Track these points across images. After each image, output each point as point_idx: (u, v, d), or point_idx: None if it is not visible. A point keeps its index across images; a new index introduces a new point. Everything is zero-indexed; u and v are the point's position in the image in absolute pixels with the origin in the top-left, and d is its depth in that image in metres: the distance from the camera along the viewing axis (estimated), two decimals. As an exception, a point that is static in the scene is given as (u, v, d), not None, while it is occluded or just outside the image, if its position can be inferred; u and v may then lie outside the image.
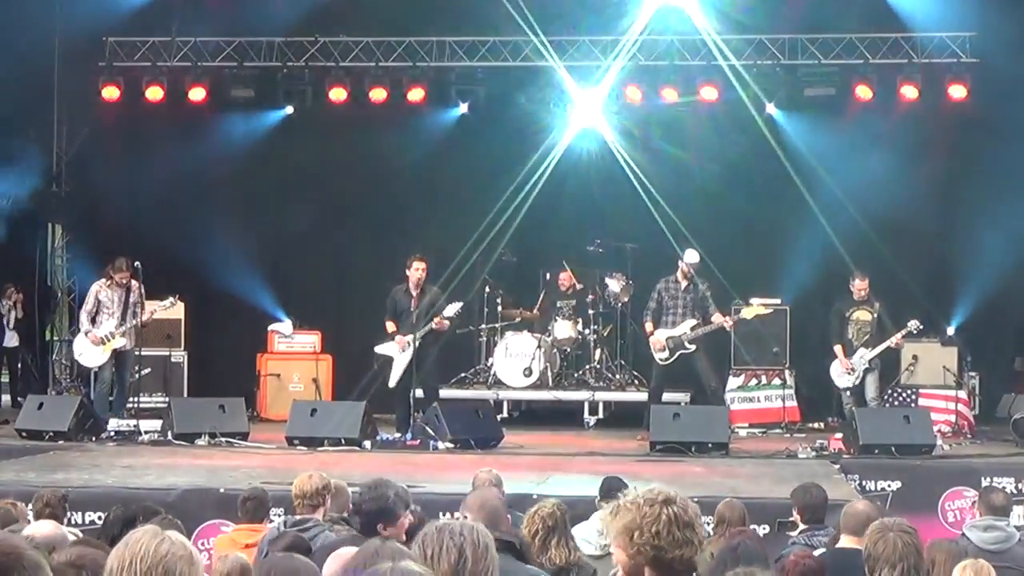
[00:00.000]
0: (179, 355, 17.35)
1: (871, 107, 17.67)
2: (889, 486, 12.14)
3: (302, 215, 18.58)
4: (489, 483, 8.38)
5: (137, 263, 14.98)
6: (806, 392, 16.96)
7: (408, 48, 18.12)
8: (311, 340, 17.81)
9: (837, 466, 12.43)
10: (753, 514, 8.93)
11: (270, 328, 17.91)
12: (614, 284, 16.97)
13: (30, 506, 8.33)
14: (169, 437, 13.98)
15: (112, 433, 14.32)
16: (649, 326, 15.33)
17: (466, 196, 18.20)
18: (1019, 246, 16.68)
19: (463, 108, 18.37)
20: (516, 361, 16.78)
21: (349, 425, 13.78)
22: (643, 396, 15.97)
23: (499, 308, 17.48)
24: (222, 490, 10.49)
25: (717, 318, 15.12)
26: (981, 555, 6.56)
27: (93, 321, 15.07)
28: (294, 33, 18.03)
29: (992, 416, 16.69)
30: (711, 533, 8.43)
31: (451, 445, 13.55)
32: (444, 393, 15.59)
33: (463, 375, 17.23)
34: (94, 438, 14.06)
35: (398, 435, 14.23)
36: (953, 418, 15.39)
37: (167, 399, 15.86)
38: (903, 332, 15.27)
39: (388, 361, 14.87)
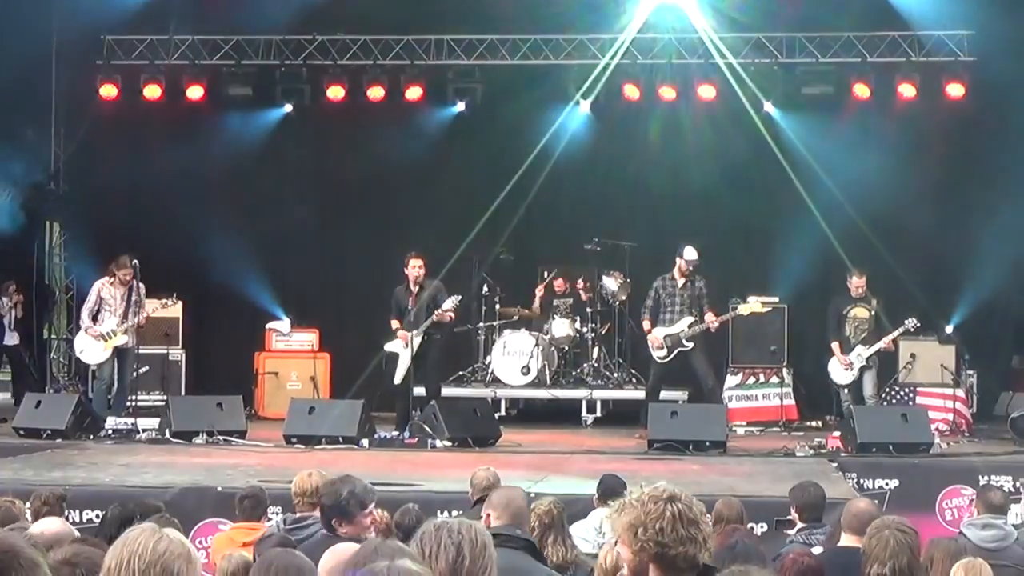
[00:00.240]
0: (177, 353, 17.34)
1: (869, 106, 17.68)
2: (887, 484, 12.13)
3: (300, 213, 18.58)
4: (487, 481, 8.38)
5: (135, 261, 14.98)
6: (804, 390, 16.98)
7: (406, 46, 18.11)
8: (309, 338, 17.81)
9: (835, 464, 12.43)
10: (751, 512, 8.93)
11: (268, 326, 17.91)
12: (611, 282, 16.97)
13: (28, 504, 8.33)
14: (167, 435, 13.98)
15: (110, 431, 14.32)
16: (647, 324, 15.32)
17: (464, 194, 18.19)
18: (1017, 244, 16.67)
19: (461, 106, 18.36)
20: (514, 359, 16.79)
21: (347, 423, 13.77)
22: (641, 394, 15.97)
23: (497, 306, 17.47)
24: (220, 488, 10.49)
25: (708, 317, 15.10)
26: (979, 553, 6.56)
27: (95, 319, 15.05)
28: (292, 31, 18.01)
29: (990, 414, 16.70)
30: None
31: (449, 443, 13.54)
32: (443, 391, 15.56)
33: (461, 373, 17.22)
34: (92, 436, 14.05)
35: (396, 433, 14.22)
36: (951, 416, 15.39)
37: (165, 397, 15.87)
38: (898, 331, 15.28)
39: (393, 359, 14.86)
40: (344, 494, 6.46)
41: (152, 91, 18.05)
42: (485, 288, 17.41)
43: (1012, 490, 11.49)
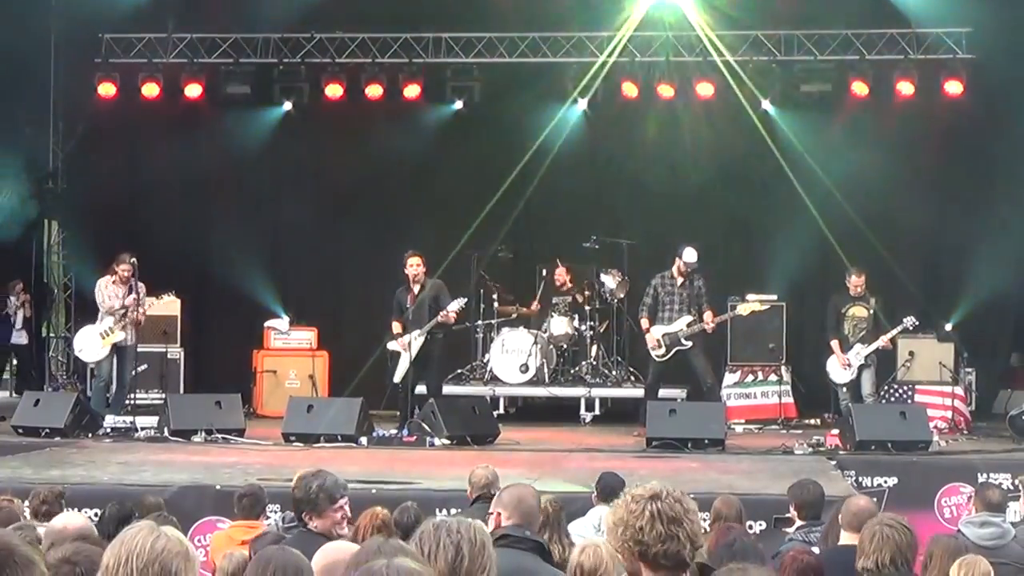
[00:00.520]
0: (175, 351, 17.33)
1: (867, 103, 17.67)
2: (885, 482, 12.13)
3: (298, 211, 18.58)
4: (486, 479, 8.38)
5: (133, 259, 14.97)
6: (803, 388, 16.99)
7: (404, 44, 18.11)
8: (307, 336, 17.80)
9: (833, 462, 12.43)
10: (749, 510, 8.94)
11: (266, 324, 17.91)
12: (610, 280, 16.97)
13: (27, 503, 8.33)
14: (165, 433, 13.98)
15: (108, 430, 14.31)
16: (645, 322, 15.31)
17: (462, 192, 18.18)
18: (1016, 242, 16.68)
19: (459, 104, 18.35)
20: (512, 357, 16.78)
21: (345, 421, 13.77)
22: (639, 392, 15.97)
23: (495, 304, 17.47)
24: (218, 487, 10.49)
25: (707, 316, 15.08)
26: (977, 551, 6.56)
27: (95, 318, 15.04)
28: (290, 29, 18.00)
29: (988, 412, 16.70)
30: (708, 529, 8.43)
31: (447, 441, 13.54)
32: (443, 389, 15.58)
33: (459, 371, 17.21)
34: (90, 435, 14.04)
35: (394, 431, 14.22)
36: (949, 414, 15.39)
37: (163, 395, 15.85)
38: (897, 330, 15.29)
39: (396, 357, 14.85)
40: (313, 487, 6.47)
41: (150, 89, 18.04)
42: (483, 286, 17.39)
43: (1010, 488, 11.45)
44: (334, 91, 18.09)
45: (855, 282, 15.47)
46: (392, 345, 14.89)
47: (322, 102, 18.25)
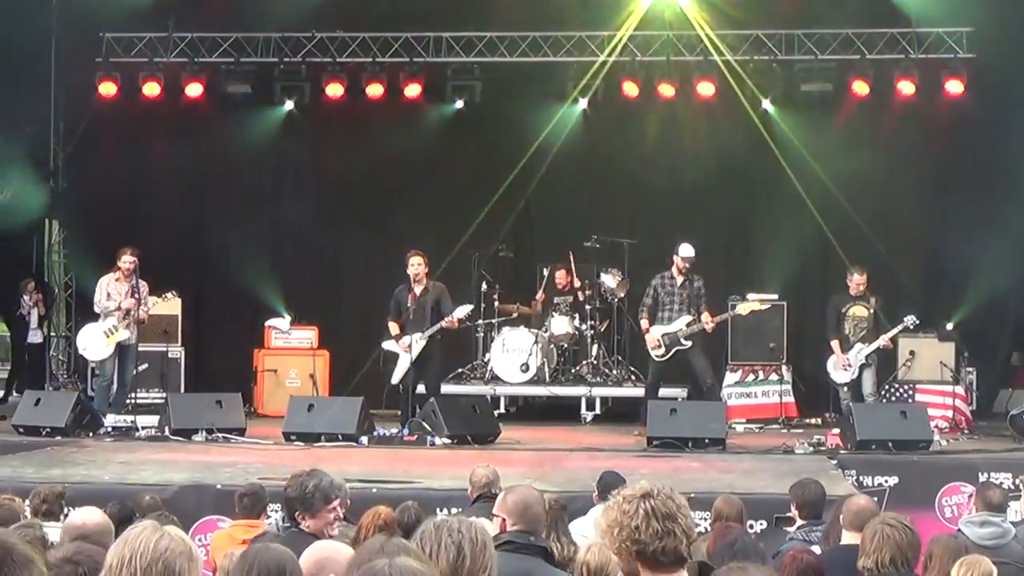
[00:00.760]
0: (176, 351, 17.33)
1: (868, 103, 17.67)
2: (886, 482, 12.12)
3: (299, 211, 18.59)
4: (486, 479, 8.38)
5: (136, 253, 14.97)
6: (803, 388, 16.98)
7: (405, 44, 18.11)
8: (308, 336, 17.80)
9: (834, 462, 12.42)
10: (750, 510, 8.94)
11: (267, 324, 17.90)
12: (610, 280, 16.97)
13: (27, 502, 8.33)
14: (166, 433, 13.97)
15: (109, 429, 14.30)
16: (645, 323, 15.29)
17: (463, 191, 18.21)
18: (1017, 242, 16.68)
19: (459, 104, 18.35)
20: (513, 357, 16.78)
21: (346, 421, 13.76)
22: (640, 391, 15.96)
23: (496, 304, 17.47)
24: (219, 486, 10.48)
25: (705, 317, 15.07)
26: (977, 551, 6.56)
27: (97, 316, 15.03)
28: (291, 29, 18.00)
29: (989, 412, 16.71)
30: (708, 528, 8.43)
31: (448, 441, 13.53)
32: (442, 388, 15.54)
33: (460, 371, 17.21)
34: (91, 434, 14.03)
35: (395, 431, 14.22)
36: (950, 414, 15.38)
37: (164, 395, 15.84)
38: (897, 329, 15.28)
39: (392, 358, 14.85)
40: (310, 487, 6.45)
41: (151, 89, 18.04)
42: (484, 285, 17.39)
43: (1011, 487, 11.47)
44: (335, 90, 18.09)
45: (856, 281, 15.46)
46: (388, 345, 14.88)
47: (323, 101, 18.26)
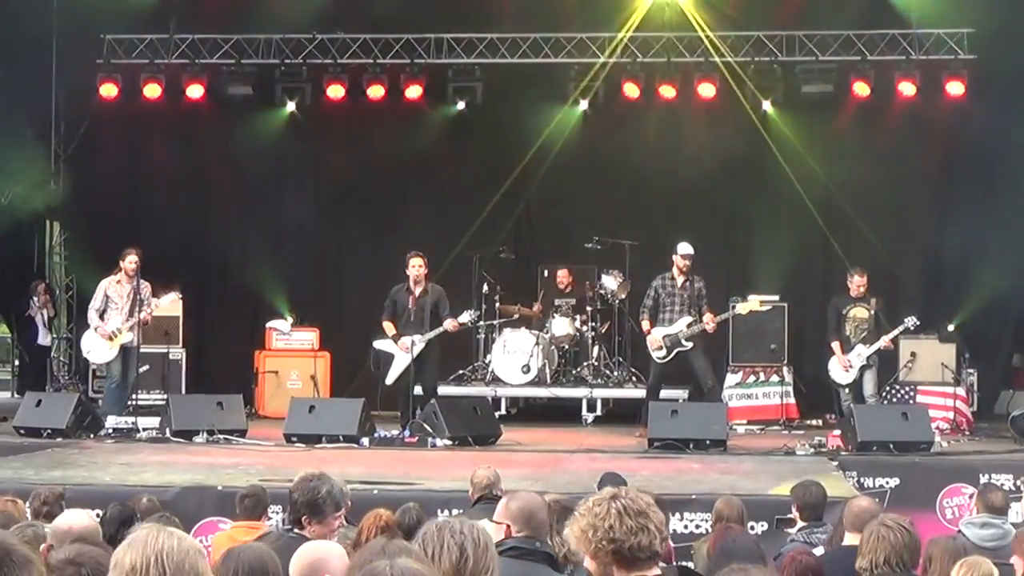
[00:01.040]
0: (177, 352, 17.32)
1: (869, 104, 17.67)
2: (887, 483, 12.12)
3: (300, 212, 18.59)
4: (488, 480, 8.38)
5: (138, 253, 14.98)
6: (804, 389, 16.98)
7: (406, 45, 18.11)
8: (309, 337, 17.80)
9: (835, 463, 12.41)
10: (751, 511, 8.94)
11: (268, 325, 17.91)
12: (610, 281, 16.96)
13: (27, 504, 8.32)
14: (167, 434, 13.97)
15: (110, 430, 14.30)
16: (646, 324, 15.27)
17: (464, 192, 18.22)
18: (1018, 243, 16.68)
19: (460, 105, 18.35)
20: (514, 358, 16.78)
21: (347, 422, 13.76)
22: (641, 393, 15.96)
23: (497, 305, 17.48)
24: (220, 487, 10.48)
25: (706, 318, 15.07)
26: (977, 552, 6.56)
27: (101, 317, 15.04)
28: (292, 30, 18.01)
29: (990, 413, 16.70)
30: (709, 530, 8.44)
31: (449, 442, 13.53)
32: (443, 390, 15.57)
33: (461, 372, 17.21)
34: (92, 435, 14.03)
35: (396, 432, 14.22)
36: (951, 415, 15.37)
37: (165, 396, 15.84)
38: (898, 330, 15.28)
39: (386, 358, 14.85)
40: (322, 493, 6.39)
41: (152, 90, 18.05)
42: (485, 287, 17.40)
43: (1012, 489, 11.48)
44: (336, 92, 18.09)
45: (857, 283, 15.47)
46: (382, 345, 14.88)
47: (324, 103, 18.26)
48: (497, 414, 15.52)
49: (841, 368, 15.36)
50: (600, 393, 16.84)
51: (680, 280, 15.21)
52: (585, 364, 17.24)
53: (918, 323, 15.38)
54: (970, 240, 16.97)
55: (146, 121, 18.54)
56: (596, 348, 17.28)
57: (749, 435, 15.38)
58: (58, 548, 4.23)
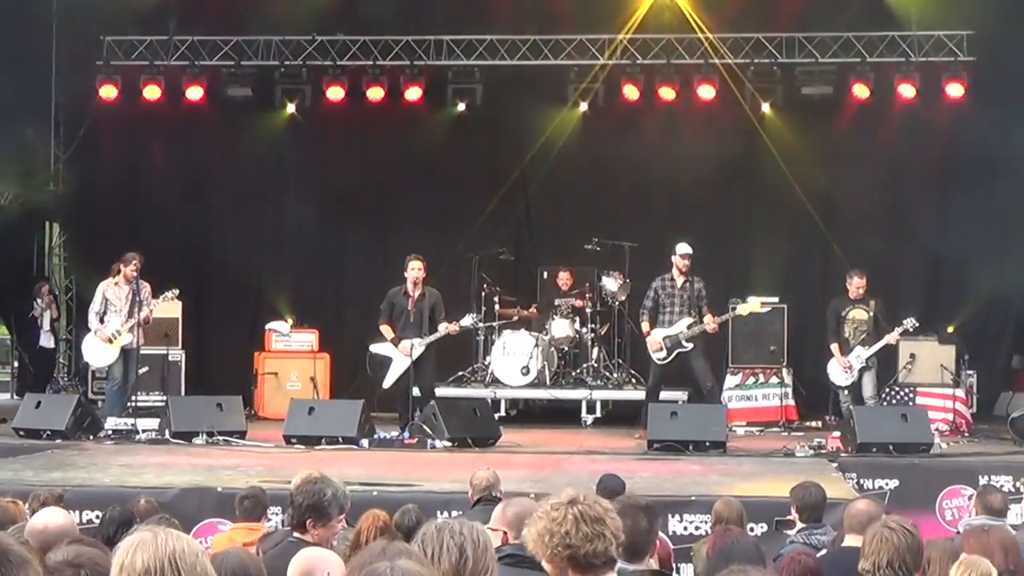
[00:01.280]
0: (176, 354, 17.32)
1: (868, 106, 17.66)
2: (887, 484, 12.12)
3: (300, 214, 18.58)
4: (487, 482, 8.38)
5: (139, 258, 14.98)
6: (804, 391, 16.98)
7: (405, 47, 18.12)
8: (308, 338, 17.80)
9: (835, 465, 12.42)
10: (751, 513, 8.93)
11: (267, 326, 17.90)
12: (611, 283, 16.96)
13: (27, 505, 8.32)
14: (167, 436, 13.96)
15: (110, 432, 14.30)
16: (646, 325, 15.27)
17: (463, 194, 18.22)
18: (1017, 244, 16.69)
19: (460, 107, 18.35)
20: (514, 360, 16.77)
21: (347, 424, 13.76)
22: (641, 394, 15.96)
23: (496, 307, 17.47)
24: (220, 489, 10.48)
25: (707, 319, 15.07)
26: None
27: (101, 320, 15.04)
28: (291, 32, 18.01)
29: (990, 414, 16.70)
30: (709, 531, 8.43)
31: (449, 444, 13.53)
32: (442, 392, 15.58)
33: (461, 374, 17.22)
34: (92, 437, 14.03)
35: (395, 433, 14.22)
36: (951, 416, 15.39)
37: (165, 398, 15.84)
38: (897, 332, 15.29)
39: (384, 361, 14.84)
40: (328, 495, 6.39)
41: (152, 92, 18.04)
42: (484, 288, 17.40)
43: (1012, 490, 11.49)
44: (335, 94, 18.09)
45: (856, 284, 15.47)
46: (379, 348, 14.88)
47: (323, 105, 18.25)
48: (496, 416, 15.52)
49: (840, 370, 15.36)
50: (600, 395, 16.84)
51: (680, 281, 15.21)
52: (585, 366, 17.24)
53: (917, 324, 15.39)
54: (970, 241, 16.94)
55: (146, 123, 18.53)
56: (596, 350, 17.28)
57: (748, 437, 15.38)
58: (55, 549, 4.22)
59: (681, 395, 15.95)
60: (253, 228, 18.64)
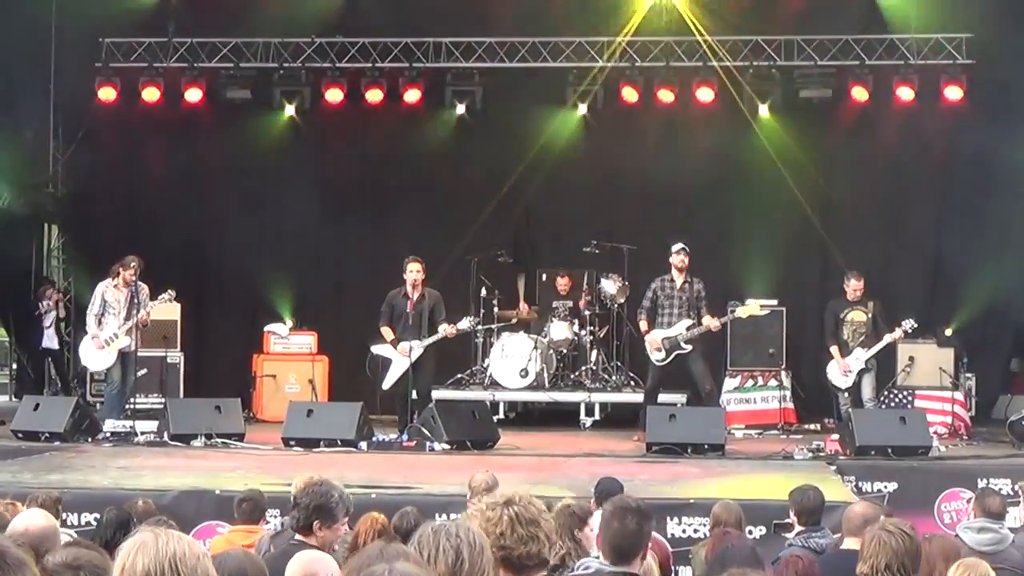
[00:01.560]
0: (175, 356, 17.32)
1: (867, 109, 17.67)
2: (885, 487, 12.12)
3: (299, 216, 18.57)
4: (486, 484, 8.38)
5: (138, 261, 14.97)
6: (802, 393, 16.98)
7: (404, 49, 18.12)
8: (307, 341, 17.80)
9: (833, 467, 12.42)
10: (749, 516, 8.93)
11: (266, 329, 17.89)
12: (609, 285, 16.95)
13: (24, 507, 8.32)
14: (165, 438, 13.94)
15: (108, 434, 14.29)
16: (644, 325, 15.26)
17: (462, 197, 18.22)
18: (1016, 247, 16.69)
19: (460, 109, 18.34)
20: (512, 362, 16.77)
21: (345, 426, 13.76)
22: (639, 397, 15.93)
23: (495, 309, 17.47)
24: (218, 491, 10.47)
25: (707, 320, 15.07)
26: (975, 556, 6.56)
27: (99, 321, 15.02)
28: (290, 34, 18.01)
29: (988, 417, 16.70)
30: (707, 534, 8.43)
31: (447, 446, 13.53)
32: (441, 394, 15.58)
33: (459, 376, 17.21)
34: (90, 439, 14.02)
35: (394, 436, 14.22)
36: (949, 419, 15.39)
37: (163, 400, 15.83)
38: (896, 334, 15.29)
39: (384, 362, 14.84)
40: (335, 497, 6.39)
41: (151, 94, 18.05)
42: (483, 291, 17.39)
43: (1010, 493, 11.47)
44: (334, 96, 18.09)
45: (854, 286, 15.49)
46: (379, 350, 14.87)
47: (322, 107, 18.26)
48: (495, 418, 15.51)
49: (839, 372, 15.36)
50: (598, 397, 16.83)
51: (679, 281, 15.20)
52: (583, 368, 17.23)
53: (915, 326, 15.40)
54: (968, 244, 16.98)
55: (145, 125, 18.53)
56: (594, 352, 17.28)
57: (747, 439, 15.39)
58: (54, 552, 4.22)
59: (680, 398, 15.94)
60: (252, 230, 18.65)
